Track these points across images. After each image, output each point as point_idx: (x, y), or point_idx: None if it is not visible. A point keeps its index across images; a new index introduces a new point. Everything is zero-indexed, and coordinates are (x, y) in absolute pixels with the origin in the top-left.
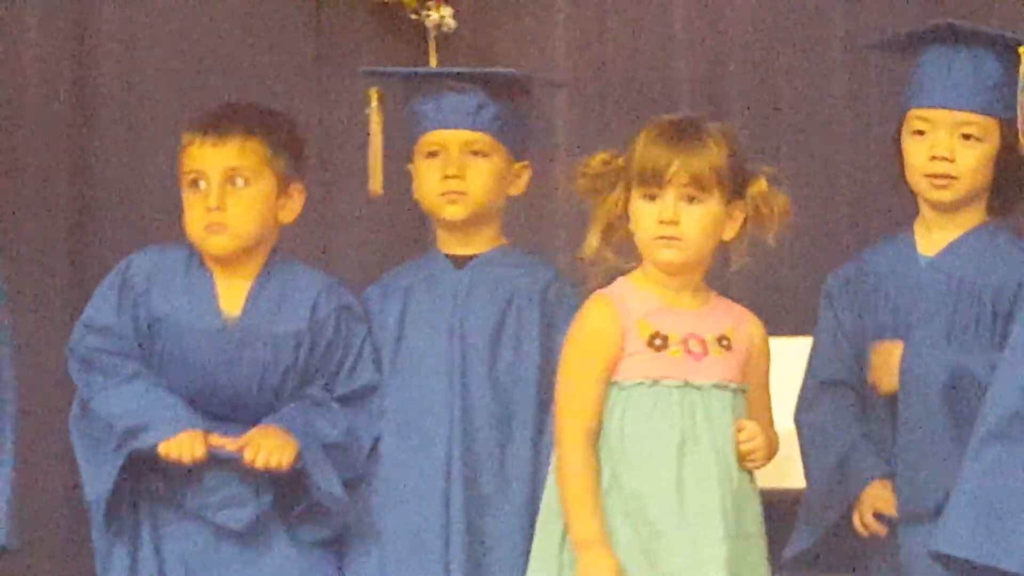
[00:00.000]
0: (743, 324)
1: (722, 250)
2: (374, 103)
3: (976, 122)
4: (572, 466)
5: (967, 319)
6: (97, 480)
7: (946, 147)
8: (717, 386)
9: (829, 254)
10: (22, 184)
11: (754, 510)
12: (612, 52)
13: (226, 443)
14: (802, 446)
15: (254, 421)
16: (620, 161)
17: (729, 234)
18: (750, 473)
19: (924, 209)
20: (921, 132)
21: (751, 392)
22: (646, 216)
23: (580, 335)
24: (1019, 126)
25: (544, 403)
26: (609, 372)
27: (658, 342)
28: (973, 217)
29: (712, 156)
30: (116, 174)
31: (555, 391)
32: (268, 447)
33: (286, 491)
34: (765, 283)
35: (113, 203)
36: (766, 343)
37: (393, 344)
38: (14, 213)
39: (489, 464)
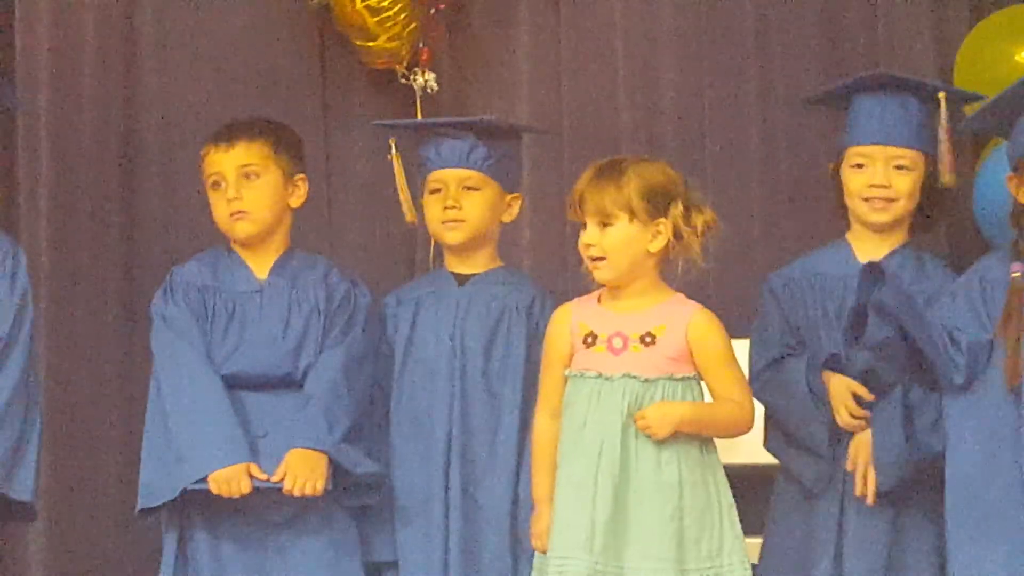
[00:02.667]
0: (680, 320)
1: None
2: (393, 149)
3: (906, 155)
4: (535, 437)
5: None
6: (151, 493)
7: (883, 177)
8: (628, 376)
9: (745, 269)
10: (78, 209)
11: (651, 481)
12: (566, 106)
13: (267, 477)
14: (769, 414)
15: (281, 383)
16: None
17: (656, 246)
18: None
19: (858, 228)
20: (860, 165)
21: (706, 374)
22: (580, 240)
23: (546, 336)
24: (940, 158)
25: (527, 398)
26: (563, 363)
27: (589, 339)
28: (900, 235)
29: (623, 188)
30: (158, 200)
31: None
32: (303, 476)
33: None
34: (693, 292)
35: (156, 224)
36: (711, 332)
37: (405, 343)
38: (70, 227)
39: (482, 447)
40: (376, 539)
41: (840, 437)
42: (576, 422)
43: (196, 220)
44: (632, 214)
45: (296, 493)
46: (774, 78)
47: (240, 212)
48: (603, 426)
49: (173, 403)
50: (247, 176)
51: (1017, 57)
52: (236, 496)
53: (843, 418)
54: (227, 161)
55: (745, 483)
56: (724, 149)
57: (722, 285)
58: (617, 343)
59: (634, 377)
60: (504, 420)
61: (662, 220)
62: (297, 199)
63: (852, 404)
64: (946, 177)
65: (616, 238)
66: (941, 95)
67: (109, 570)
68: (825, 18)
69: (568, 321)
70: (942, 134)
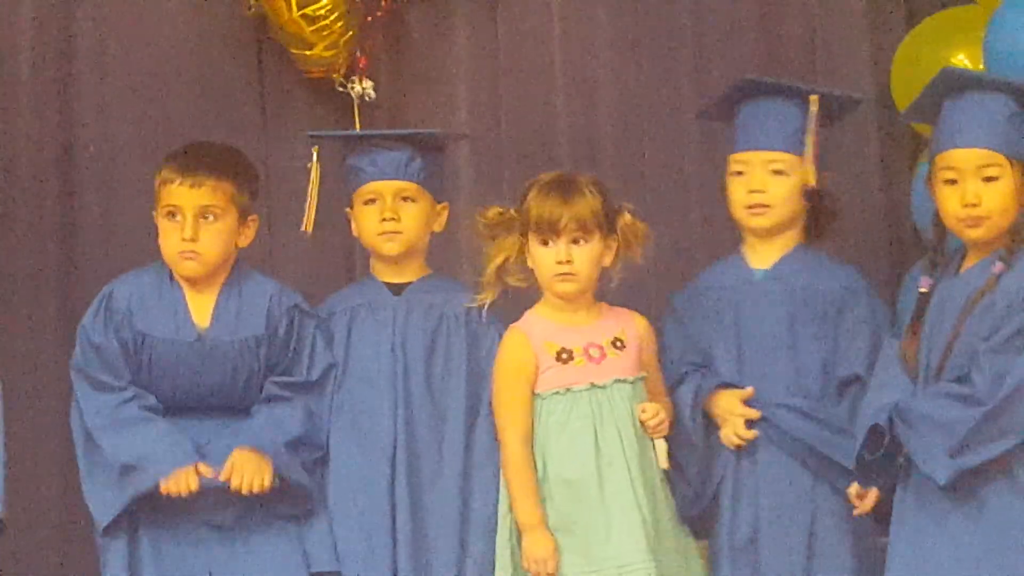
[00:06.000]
0: (630, 324)
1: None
2: (315, 158)
3: (782, 159)
4: (514, 464)
5: (805, 318)
6: (103, 507)
7: (759, 182)
8: (618, 381)
9: (683, 274)
10: (16, 218)
11: (664, 495)
12: (505, 112)
13: (214, 474)
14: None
15: (228, 411)
16: (513, 213)
17: (608, 262)
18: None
19: (748, 237)
20: (740, 173)
21: (648, 376)
22: (545, 258)
23: (503, 363)
24: (805, 159)
25: (472, 405)
26: (531, 387)
27: (564, 356)
28: (791, 239)
29: (590, 205)
30: (97, 210)
31: (493, 408)
32: (249, 473)
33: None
34: (633, 298)
35: (95, 235)
36: (651, 333)
37: (342, 356)
38: (8, 240)
39: (429, 454)
40: (314, 549)
41: (715, 473)
42: (582, 439)
43: (136, 231)
44: (600, 229)
45: (244, 491)
46: (711, 83)
47: (192, 252)
48: (618, 433)
49: (103, 426)
50: (205, 216)
51: (952, 60)
52: (185, 494)
53: (728, 434)
54: (189, 198)
55: None
56: (662, 152)
57: (661, 289)
58: (595, 353)
59: (623, 380)
60: (449, 426)
61: (613, 234)
62: (245, 239)
63: (742, 428)
64: (808, 178)
65: (590, 254)
66: (813, 98)
67: None
68: (762, 24)
69: (528, 344)
70: (809, 136)
